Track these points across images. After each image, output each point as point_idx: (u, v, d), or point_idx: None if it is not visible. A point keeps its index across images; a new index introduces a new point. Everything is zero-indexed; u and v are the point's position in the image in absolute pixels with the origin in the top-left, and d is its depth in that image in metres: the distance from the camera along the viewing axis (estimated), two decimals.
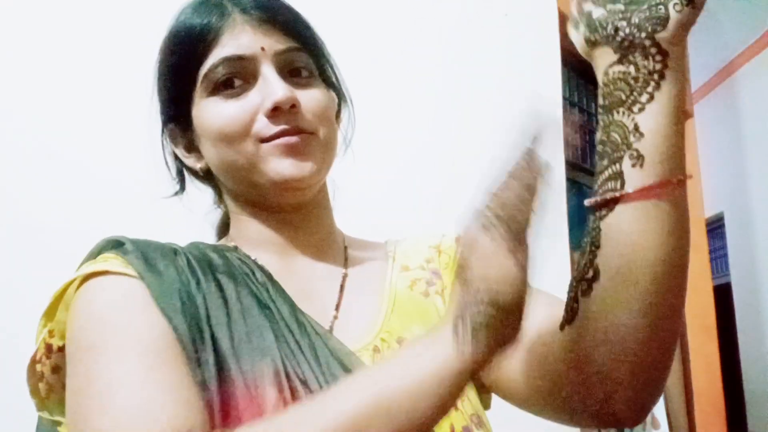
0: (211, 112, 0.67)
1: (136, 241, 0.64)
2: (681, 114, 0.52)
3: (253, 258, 0.69)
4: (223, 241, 0.75)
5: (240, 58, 0.66)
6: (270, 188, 0.67)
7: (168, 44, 0.71)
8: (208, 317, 0.60)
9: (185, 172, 0.76)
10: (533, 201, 0.49)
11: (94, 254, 0.64)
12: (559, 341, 0.59)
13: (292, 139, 0.66)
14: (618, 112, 0.52)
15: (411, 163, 1.57)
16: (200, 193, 0.78)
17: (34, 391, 0.64)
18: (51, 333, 0.62)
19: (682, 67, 0.51)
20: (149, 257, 0.62)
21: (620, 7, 0.51)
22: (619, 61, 0.51)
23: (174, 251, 0.65)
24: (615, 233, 0.52)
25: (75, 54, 1.24)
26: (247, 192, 0.70)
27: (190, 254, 0.65)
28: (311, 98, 0.68)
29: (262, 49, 0.67)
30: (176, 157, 0.75)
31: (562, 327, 0.58)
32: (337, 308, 0.69)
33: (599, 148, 0.53)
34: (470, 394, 0.68)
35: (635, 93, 0.51)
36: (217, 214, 0.78)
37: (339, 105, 0.77)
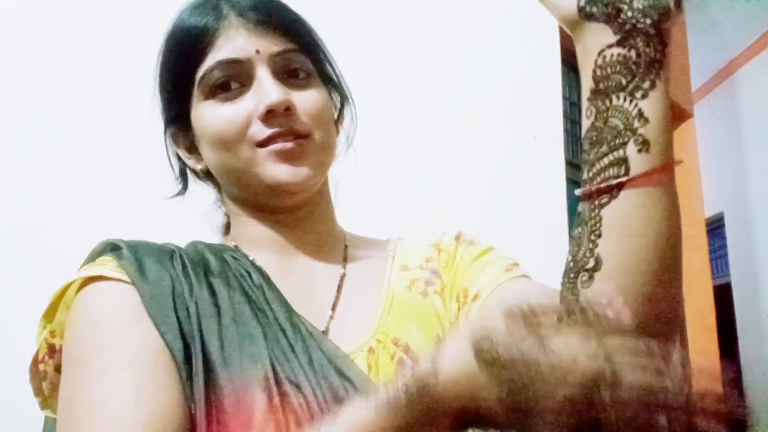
0: (208, 116, 0.67)
1: (133, 245, 0.64)
2: None
3: (251, 258, 0.69)
4: (224, 240, 0.75)
5: (235, 62, 0.66)
6: (266, 192, 0.68)
7: (166, 46, 0.71)
8: (199, 325, 0.60)
9: (188, 172, 0.76)
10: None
11: (93, 257, 0.64)
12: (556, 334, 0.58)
13: (287, 145, 0.66)
14: (618, 97, 0.50)
15: (411, 163, 1.57)
16: (204, 192, 0.78)
17: (38, 390, 0.64)
18: (53, 333, 0.63)
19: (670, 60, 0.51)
20: (143, 263, 0.62)
21: None
22: (620, 44, 0.49)
23: (171, 254, 0.65)
24: (618, 220, 0.51)
25: (75, 53, 1.24)
26: (244, 194, 0.71)
27: (187, 257, 0.65)
28: (307, 100, 0.68)
29: (257, 51, 0.66)
30: (179, 158, 0.75)
31: (560, 319, 0.57)
32: (333, 308, 0.68)
33: (591, 134, 0.51)
34: None
35: (637, 78, 0.50)
36: (219, 213, 0.79)
37: (342, 104, 0.77)
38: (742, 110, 3.71)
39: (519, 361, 0.42)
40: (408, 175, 1.54)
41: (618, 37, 0.49)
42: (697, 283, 2.90)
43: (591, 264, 0.52)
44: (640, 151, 0.50)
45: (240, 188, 0.70)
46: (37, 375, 0.64)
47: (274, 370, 0.59)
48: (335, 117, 0.76)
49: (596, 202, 0.52)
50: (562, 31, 2.03)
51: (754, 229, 3.58)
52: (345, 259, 0.74)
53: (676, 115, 2.09)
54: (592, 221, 0.52)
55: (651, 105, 0.50)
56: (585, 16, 0.50)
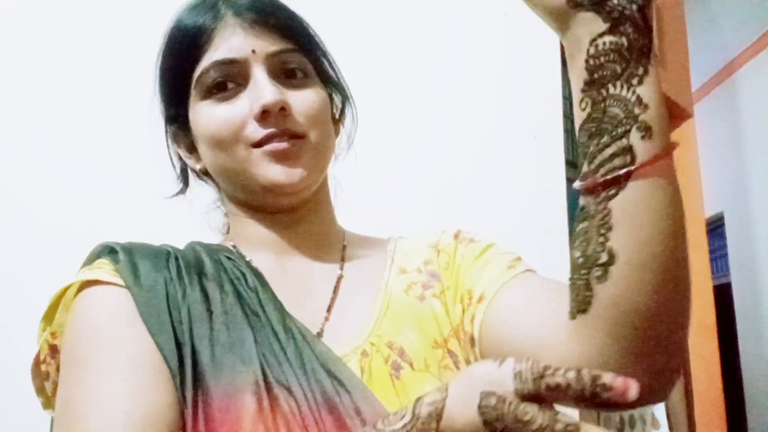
0: (205, 116, 0.68)
1: (128, 248, 0.64)
2: None
3: (247, 259, 0.69)
4: (223, 240, 0.75)
5: (231, 62, 0.66)
6: (261, 192, 0.68)
7: (165, 45, 0.71)
8: (190, 330, 0.60)
9: (189, 171, 0.76)
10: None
11: (91, 260, 0.65)
12: (566, 331, 0.56)
13: (282, 145, 0.66)
14: (615, 86, 0.49)
15: (411, 163, 1.57)
16: (205, 191, 0.78)
17: (40, 391, 0.65)
18: (53, 335, 0.64)
19: None
20: (138, 267, 0.62)
21: None
22: (610, 32, 0.49)
23: (166, 257, 0.65)
24: (629, 211, 0.50)
25: (75, 53, 1.24)
26: (241, 194, 0.71)
27: (183, 259, 0.65)
28: (304, 100, 0.68)
29: (253, 51, 0.66)
30: (179, 157, 0.75)
31: (573, 316, 0.55)
32: (329, 310, 0.68)
33: (589, 126, 0.51)
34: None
35: (632, 65, 0.49)
36: (219, 213, 0.79)
37: (343, 104, 0.77)
38: (742, 110, 3.71)
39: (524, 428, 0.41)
40: (408, 174, 1.54)
41: (608, 24, 0.49)
42: (697, 283, 2.88)
43: (604, 258, 0.51)
44: (643, 137, 0.49)
45: (236, 188, 0.70)
46: (39, 375, 0.64)
47: (264, 373, 0.59)
48: (336, 117, 0.76)
49: (603, 195, 0.51)
50: None
51: (754, 229, 3.57)
52: (343, 260, 0.73)
53: (676, 114, 2.08)
54: (601, 214, 0.51)
55: (648, 90, 0.49)
56: (573, 5, 0.50)
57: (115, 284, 0.61)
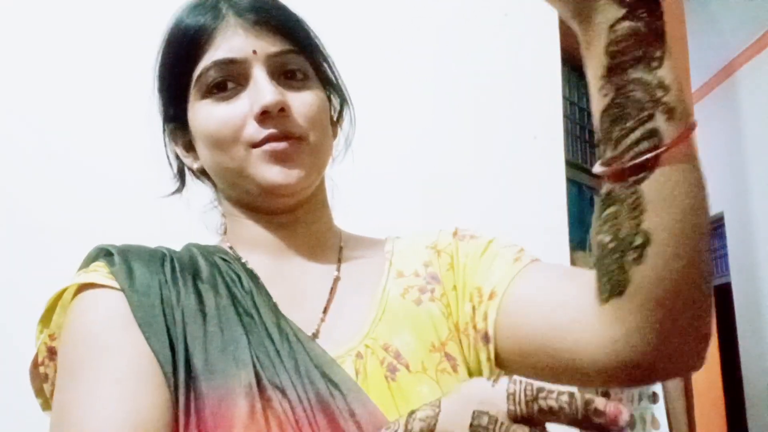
0: (204, 115, 0.68)
1: (124, 251, 0.64)
2: None
3: (243, 261, 0.69)
4: (220, 241, 0.75)
5: (232, 62, 0.66)
6: (258, 193, 0.68)
7: (165, 45, 0.71)
8: (184, 332, 0.60)
9: (186, 170, 0.76)
10: None
11: (87, 262, 0.65)
12: (596, 316, 0.58)
13: (280, 146, 0.66)
14: (636, 70, 0.51)
15: (410, 163, 1.57)
16: (202, 190, 0.78)
17: (39, 392, 0.65)
18: (51, 337, 0.64)
19: None
20: (133, 270, 0.62)
21: None
22: (627, 17, 0.50)
23: (162, 259, 0.65)
24: (661, 192, 0.51)
25: (74, 54, 1.24)
26: (238, 194, 0.71)
27: (178, 262, 0.65)
28: (303, 102, 0.68)
29: (254, 52, 0.67)
30: (177, 156, 0.75)
31: (606, 300, 0.56)
32: (325, 311, 0.68)
33: (612, 111, 0.52)
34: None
35: (650, 49, 0.50)
36: (216, 213, 0.79)
37: (341, 106, 0.77)
38: (742, 110, 3.71)
39: None
40: (407, 175, 1.54)
41: (624, 10, 0.50)
42: None
43: (639, 241, 0.52)
44: (667, 119, 0.51)
45: (234, 188, 0.70)
46: (37, 377, 0.64)
47: (258, 375, 0.58)
48: (334, 119, 0.76)
49: (632, 179, 0.52)
50: (562, 31, 2.03)
51: (754, 229, 3.57)
52: (340, 261, 0.73)
53: None
54: (631, 198, 0.52)
55: (667, 72, 0.51)
56: None
57: (110, 287, 0.61)
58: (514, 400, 0.42)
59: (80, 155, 1.22)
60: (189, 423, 0.56)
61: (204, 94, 0.68)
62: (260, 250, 0.71)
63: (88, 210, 1.18)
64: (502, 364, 0.67)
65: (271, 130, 0.65)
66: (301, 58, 0.70)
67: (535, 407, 0.42)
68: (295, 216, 0.71)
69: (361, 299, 0.70)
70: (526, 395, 0.42)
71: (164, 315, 0.60)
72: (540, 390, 0.42)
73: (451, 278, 0.72)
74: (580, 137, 2.59)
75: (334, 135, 0.76)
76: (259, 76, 0.66)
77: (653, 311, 0.54)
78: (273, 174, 0.66)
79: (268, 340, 0.61)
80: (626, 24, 0.50)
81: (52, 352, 0.63)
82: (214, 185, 0.76)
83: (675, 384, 2.84)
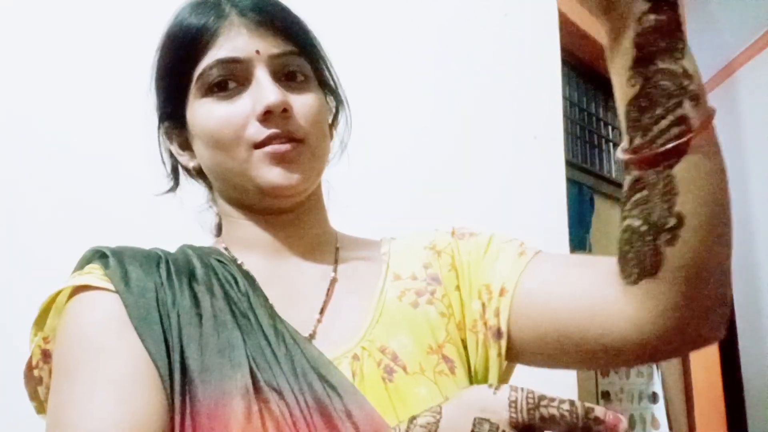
0: (204, 114, 0.68)
1: (119, 253, 0.64)
2: None
3: (239, 262, 0.69)
4: (215, 242, 0.75)
5: (234, 61, 0.66)
6: (257, 193, 0.68)
7: (165, 43, 0.71)
8: (180, 335, 0.60)
9: (180, 169, 0.76)
10: None
11: (82, 264, 0.65)
12: (623, 297, 0.61)
13: (283, 148, 0.66)
14: (663, 60, 0.54)
15: (410, 163, 1.57)
16: (196, 190, 0.78)
17: (33, 395, 0.65)
18: (46, 339, 0.63)
19: None
20: (128, 272, 0.62)
21: None
22: (653, 10, 0.53)
23: (157, 261, 0.65)
24: (692, 175, 0.55)
25: (75, 54, 1.24)
26: (236, 194, 0.71)
27: (173, 263, 0.65)
28: (304, 104, 0.68)
29: (257, 52, 0.67)
30: (171, 154, 0.75)
31: (636, 281, 0.59)
32: (321, 312, 0.68)
33: (641, 101, 0.55)
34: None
35: (674, 40, 0.54)
36: (211, 213, 0.78)
37: (336, 109, 0.77)
38: (742, 110, 3.71)
39: None
40: (407, 175, 1.54)
41: (650, 4, 0.53)
42: None
43: (672, 222, 0.55)
44: (694, 106, 0.54)
45: (232, 188, 0.70)
46: (32, 380, 0.64)
47: (254, 376, 0.58)
48: (330, 121, 0.76)
49: (664, 164, 0.55)
50: (562, 31, 2.03)
51: (754, 228, 3.57)
52: (336, 262, 0.73)
53: None
54: (663, 182, 0.55)
55: (689, 61, 0.55)
56: None
57: (105, 289, 0.61)
58: (516, 408, 0.43)
59: (80, 155, 1.22)
60: (185, 425, 0.56)
61: (205, 92, 0.68)
62: (256, 251, 0.71)
63: (88, 210, 1.18)
64: (516, 356, 0.69)
65: (274, 130, 0.66)
66: (302, 59, 0.70)
67: (537, 415, 0.43)
68: (291, 217, 0.71)
69: (357, 301, 0.70)
70: (528, 403, 0.43)
71: (160, 317, 0.60)
72: (541, 398, 0.43)
73: (454, 279, 0.72)
74: (580, 137, 2.59)
75: (331, 137, 0.76)
76: (262, 76, 0.66)
77: (686, 287, 0.57)
78: (274, 175, 0.66)
79: (264, 341, 0.61)
80: (652, 17, 0.53)
81: (46, 355, 0.63)
82: (209, 185, 0.76)
83: (675, 384, 2.84)
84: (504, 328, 0.67)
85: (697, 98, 0.55)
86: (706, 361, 2.92)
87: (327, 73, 0.75)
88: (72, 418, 0.55)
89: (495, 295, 0.68)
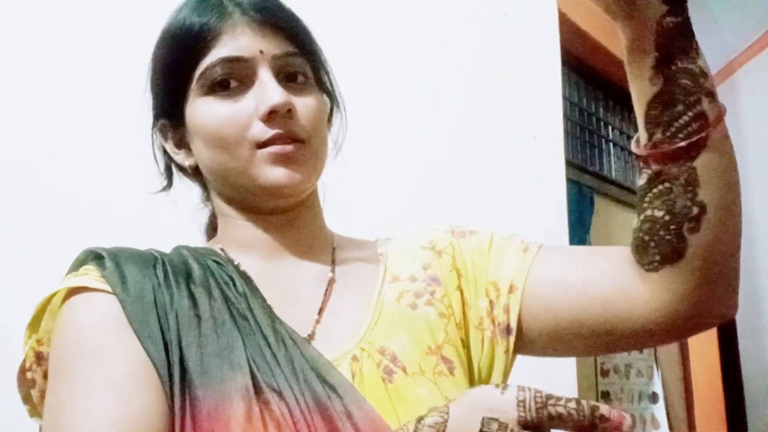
0: (205, 113, 0.67)
1: (115, 254, 0.64)
2: None
3: (236, 263, 0.69)
4: (210, 243, 0.74)
5: (238, 60, 0.66)
6: (258, 193, 0.68)
7: (165, 41, 0.71)
8: (179, 336, 0.60)
9: (173, 168, 0.76)
10: None
11: (77, 266, 0.64)
12: (643, 284, 0.64)
13: (287, 148, 0.66)
14: (682, 60, 0.58)
15: (410, 163, 1.57)
16: (190, 189, 0.77)
17: (27, 398, 0.64)
18: (39, 342, 0.63)
19: None
20: (125, 273, 0.62)
21: None
22: (671, 13, 0.57)
23: (154, 262, 0.65)
24: (713, 166, 0.59)
25: (75, 54, 1.24)
26: (234, 194, 0.70)
27: (170, 264, 0.65)
28: (305, 104, 0.68)
29: (261, 51, 0.67)
30: (165, 153, 0.75)
31: (657, 268, 0.63)
32: (320, 313, 0.68)
33: (663, 99, 0.58)
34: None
35: (690, 41, 0.59)
36: (205, 213, 0.78)
37: (331, 110, 0.77)
38: (742, 110, 3.71)
39: None
40: (407, 174, 1.54)
41: (667, 7, 0.57)
42: None
43: (695, 211, 0.60)
44: (710, 102, 0.58)
45: (231, 188, 0.70)
46: (25, 383, 0.64)
47: (254, 378, 0.58)
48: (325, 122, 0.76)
49: (685, 157, 0.59)
50: (562, 31, 2.03)
51: (754, 228, 3.57)
52: (334, 263, 0.73)
53: None
54: (685, 174, 0.59)
55: (704, 61, 0.60)
56: None
57: (102, 291, 0.60)
58: (524, 407, 0.44)
59: (80, 155, 1.22)
60: (185, 426, 0.56)
61: (206, 90, 0.67)
62: (253, 252, 0.70)
63: (88, 210, 1.18)
64: (523, 350, 0.71)
65: (278, 131, 0.66)
66: (303, 60, 0.70)
67: (545, 414, 0.44)
68: (289, 217, 0.71)
69: (356, 302, 0.69)
70: (536, 402, 0.44)
71: (158, 319, 0.60)
72: (549, 397, 0.44)
73: (455, 279, 0.72)
74: (580, 137, 2.59)
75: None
76: (266, 76, 0.66)
77: (707, 272, 0.62)
78: (276, 175, 0.66)
79: (263, 342, 0.61)
80: (670, 19, 0.57)
81: (39, 358, 0.63)
82: (203, 184, 0.75)
83: (675, 384, 2.84)
84: (513, 325, 0.69)
85: (713, 95, 0.58)
86: (706, 361, 2.92)
87: (325, 76, 0.75)
88: (70, 418, 0.55)
89: (504, 292, 0.69)
